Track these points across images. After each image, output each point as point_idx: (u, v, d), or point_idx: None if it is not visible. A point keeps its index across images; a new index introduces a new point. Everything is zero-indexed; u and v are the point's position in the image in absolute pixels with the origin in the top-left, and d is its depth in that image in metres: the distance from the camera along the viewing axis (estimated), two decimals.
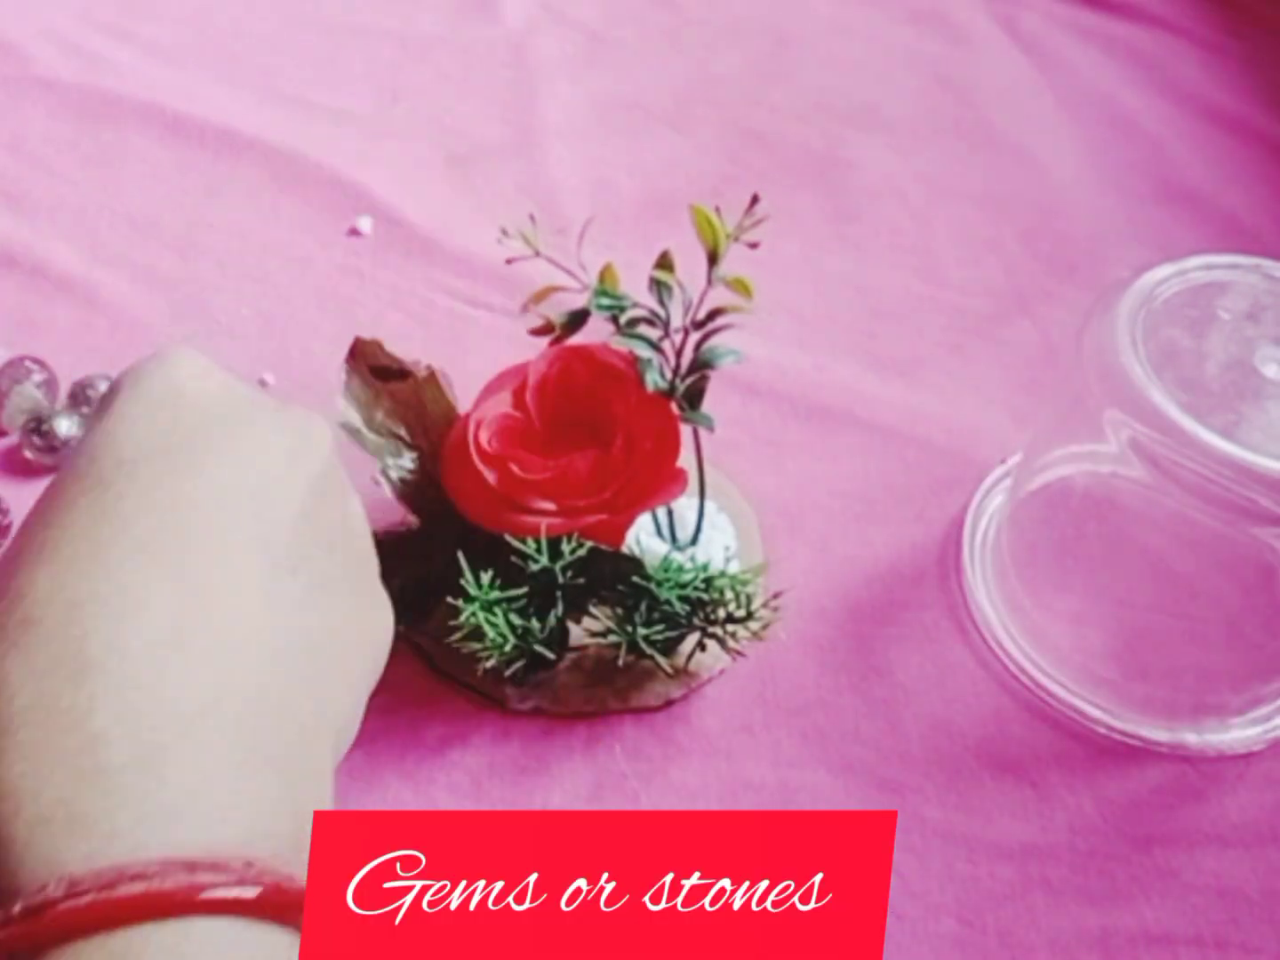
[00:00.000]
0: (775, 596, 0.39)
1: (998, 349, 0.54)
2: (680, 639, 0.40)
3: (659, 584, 0.38)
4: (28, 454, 0.45)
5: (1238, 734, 0.41)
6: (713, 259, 0.38)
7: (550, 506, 0.38)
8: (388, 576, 0.33)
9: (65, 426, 0.45)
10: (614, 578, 0.39)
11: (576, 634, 0.40)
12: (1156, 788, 0.40)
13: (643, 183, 0.60)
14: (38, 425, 0.45)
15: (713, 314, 0.39)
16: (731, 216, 0.39)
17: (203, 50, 0.66)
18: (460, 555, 0.37)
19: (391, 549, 0.35)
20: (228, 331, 0.51)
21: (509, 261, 0.38)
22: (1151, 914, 0.37)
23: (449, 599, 0.37)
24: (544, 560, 0.37)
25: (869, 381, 0.52)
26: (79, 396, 0.47)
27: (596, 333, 0.39)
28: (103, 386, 0.47)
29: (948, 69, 0.71)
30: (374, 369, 0.40)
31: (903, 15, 0.75)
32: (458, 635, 0.37)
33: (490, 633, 0.36)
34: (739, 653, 0.40)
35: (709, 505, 0.43)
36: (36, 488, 0.45)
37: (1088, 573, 0.44)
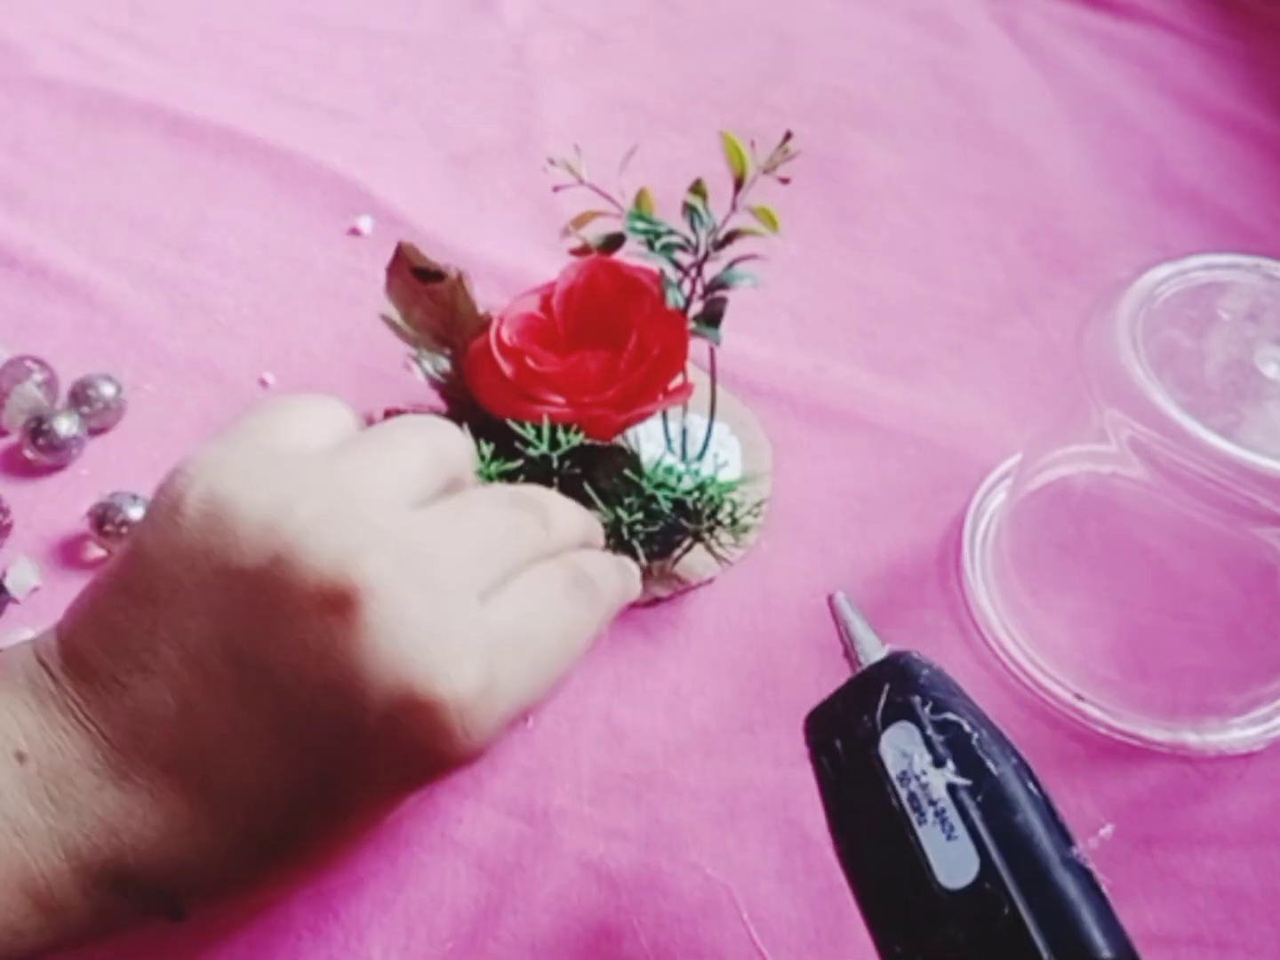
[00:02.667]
0: (758, 505, 0.43)
1: (998, 349, 0.55)
2: (668, 541, 0.42)
3: (648, 479, 0.41)
4: (28, 454, 0.45)
5: (1238, 734, 0.41)
6: (738, 185, 0.41)
7: (558, 400, 0.41)
8: None
9: (65, 426, 0.45)
10: (608, 471, 0.41)
11: None
12: (1156, 788, 0.40)
13: (643, 183, 0.60)
14: (38, 425, 0.45)
15: (732, 235, 0.41)
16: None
17: (203, 50, 0.66)
18: (466, 429, 0.38)
19: None
20: (228, 331, 0.51)
21: (555, 189, 0.41)
22: (1151, 914, 0.37)
23: None
24: (543, 446, 0.40)
25: (869, 381, 0.52)
26: (79, 396, 0.47)
27: None
28: (103, 386, 0.47)
29: (948, 69, 0.71)
30: (414, 270, 0.43)
31: (903, 15, 0.75)
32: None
33: None
34: (725, 559, 0.43)
35: (722, 428, 0.46)
36: (37, 488, 0.45)
37: (1088, 573, 0.44)
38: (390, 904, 0.35)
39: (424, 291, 0.44)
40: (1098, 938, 0.26)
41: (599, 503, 0.41)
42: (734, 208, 0.41)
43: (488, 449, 0.40)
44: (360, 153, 0.60)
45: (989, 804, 0.27)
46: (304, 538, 0.28)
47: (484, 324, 0.43)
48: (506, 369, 0.41)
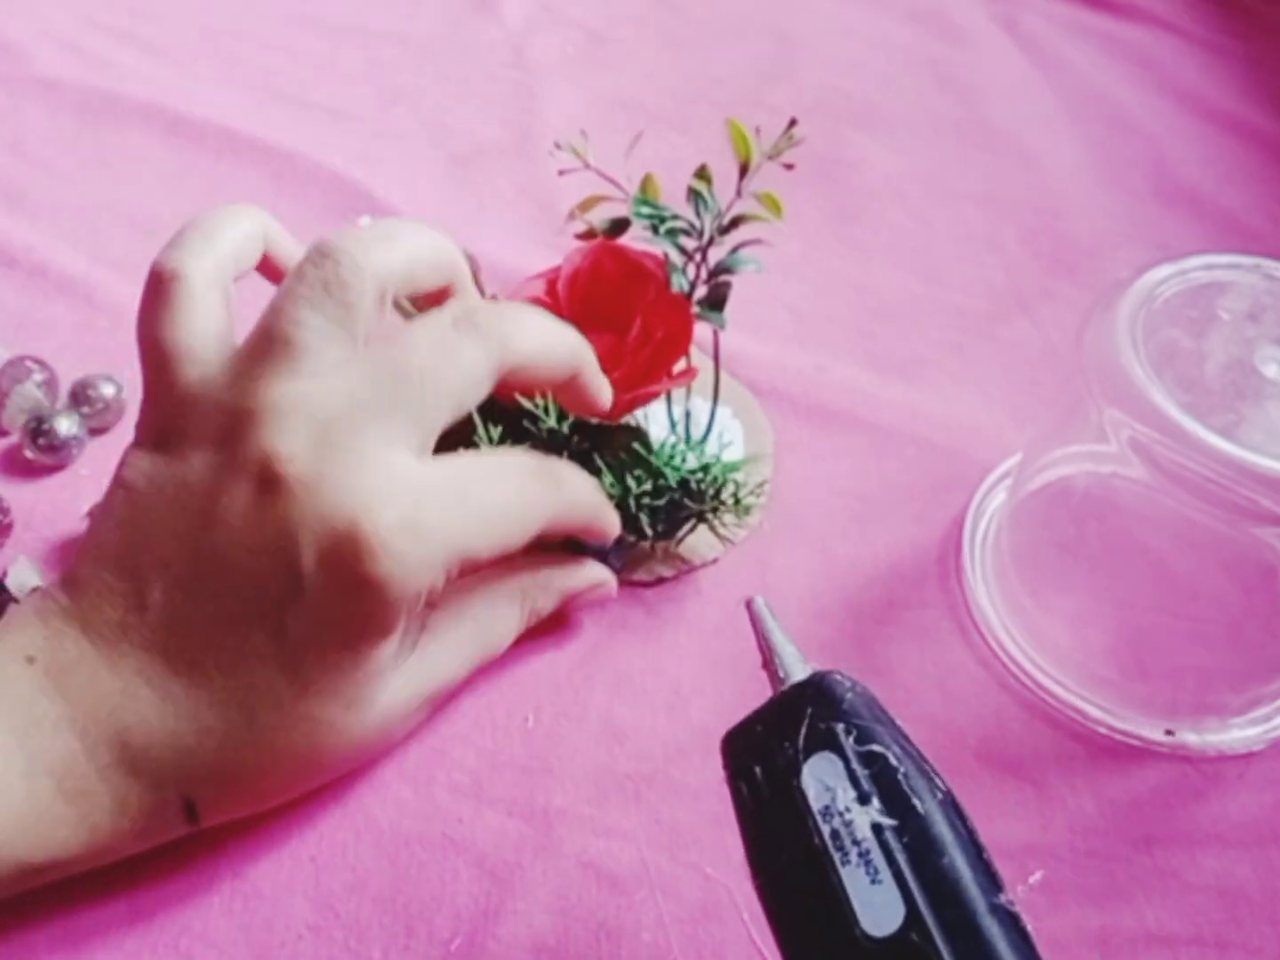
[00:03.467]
0: (760, 485, 0.44)
1: (998, 349, 0.55)
2: (672, 520, 0.43)
3: (656, 456, 0.42)
4: (28, 454, 0.45)
5: (1238, 734, 0.41)
6: (744, 171, 0.41)
7: None
8: None
9: (65, 426, 0.45)
10: (616, 447, 0.42)
11: None
12: (1156, 788, 0.40)
13: (640, 181, 0.60)
14: (38, 425, 0.45)
15: (737, 221, 0.42)
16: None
17: (203, 50, 0.66)
18: (474, 413, 0.40)
19: None
20: None
21: (561, 173, 0.42)
22: (1151, 914, 0.37)
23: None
24: (551, 420, 0.41)
25: (869, 381, 0.52)
26: (79, 396, 0.47)
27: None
28: (103, 386, 0.47)
29: (948, 69, 0.71)
30: None
31: (903, 15, 0.75)
32: None
33: None
34: (728, 539, 0.44)
35: (725, 412, 0.47)
36: (37, 488, 0.45)
37: (1088, 573, 0.44)
38: (390, 904, 0.35)
39: None
40: None
41: (608, 474, 0.41)
42: (739, 193, 0.41)
43: (495, 431, 0.41)
44: (360, 153, 0.60)
45: (915, 846, 0.26)
46: (236, 439, 0.33)
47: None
48: None
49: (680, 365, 0.43)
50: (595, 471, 0.41)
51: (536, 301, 0.43)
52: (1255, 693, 0.42)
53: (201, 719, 0.32)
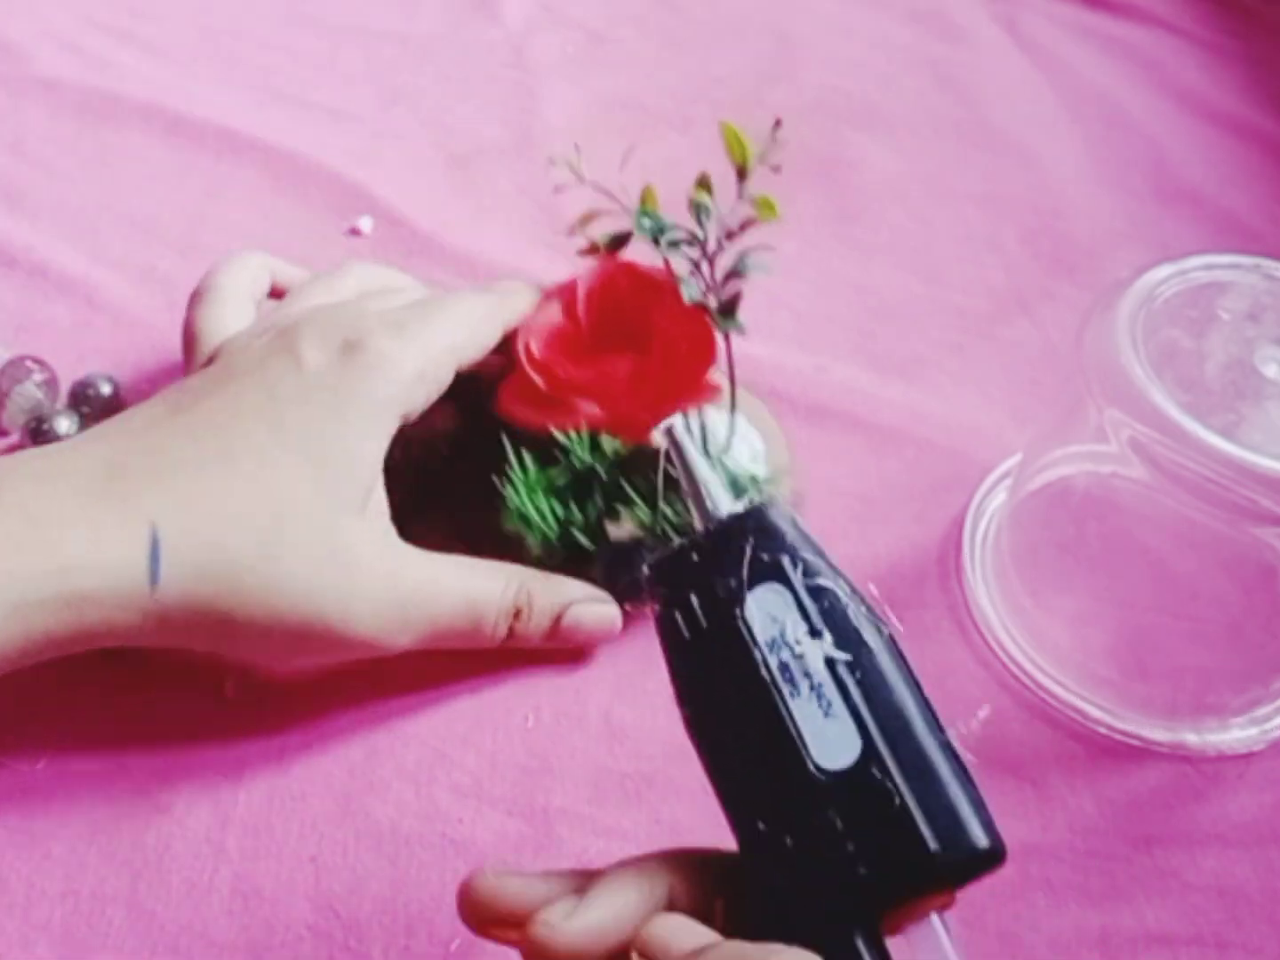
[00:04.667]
0: (799, 495, 0.42)
1: (998, 349, 0.54)
2: None
3: None
4: None
5: (1238, 734, 0.41)
6: (741, 175, 0.41)
7: (591, 406, 0.41)
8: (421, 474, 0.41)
9: (65, 426, 0.45)
10: (646, 471, 0.41)
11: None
12: (1156, 788, 0.40)
13: (643, 183, 0.60)
14: (38, 425, 0.45)
15: (744, 225, 0.41)
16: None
17: (203, 50, 0.66)
18: (507, 443, 0.40)
19: (425, 445, 0.42)
20: None
21: (557, 190, 0.41)
22: (1151, 914, 0.37)
23: (498, 487, 0.40)
24: (585, 454, 0.40)
25: (869, 381, 0.52)
26: (79, 396, 0.47)
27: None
28: (103, 386, 0.47)
29: (948, 69, 0.71)
30: None
31: (903, 15, 0.75)
32: (507, 519, 0.40)
33: (535, 518, 0.40)
34: None
35: (739, 420, 0.46)
36: None
37: (1088, 573, 0.44)
38: (390, 904, 0.35)
39: None
40: (977, 828, 0.25)
41: (639, 503, 0.41)
42: (739, 196, 0.41)
43: (529, 457, 0.40)
44: (360, 153, 0.60)
45: (868, 681, 0.26)
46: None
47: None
48: (539, 381, 0.41)
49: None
50: (627, 500, 0.41)
51: (554, 328, 0.42)
52: (1255, 693, 0.42)
53: (182, 456, 0.35)
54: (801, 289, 0.56)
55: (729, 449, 0.45)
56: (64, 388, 0.48)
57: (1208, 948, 0.36)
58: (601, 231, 0.42)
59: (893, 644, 0.27)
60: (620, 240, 0.42)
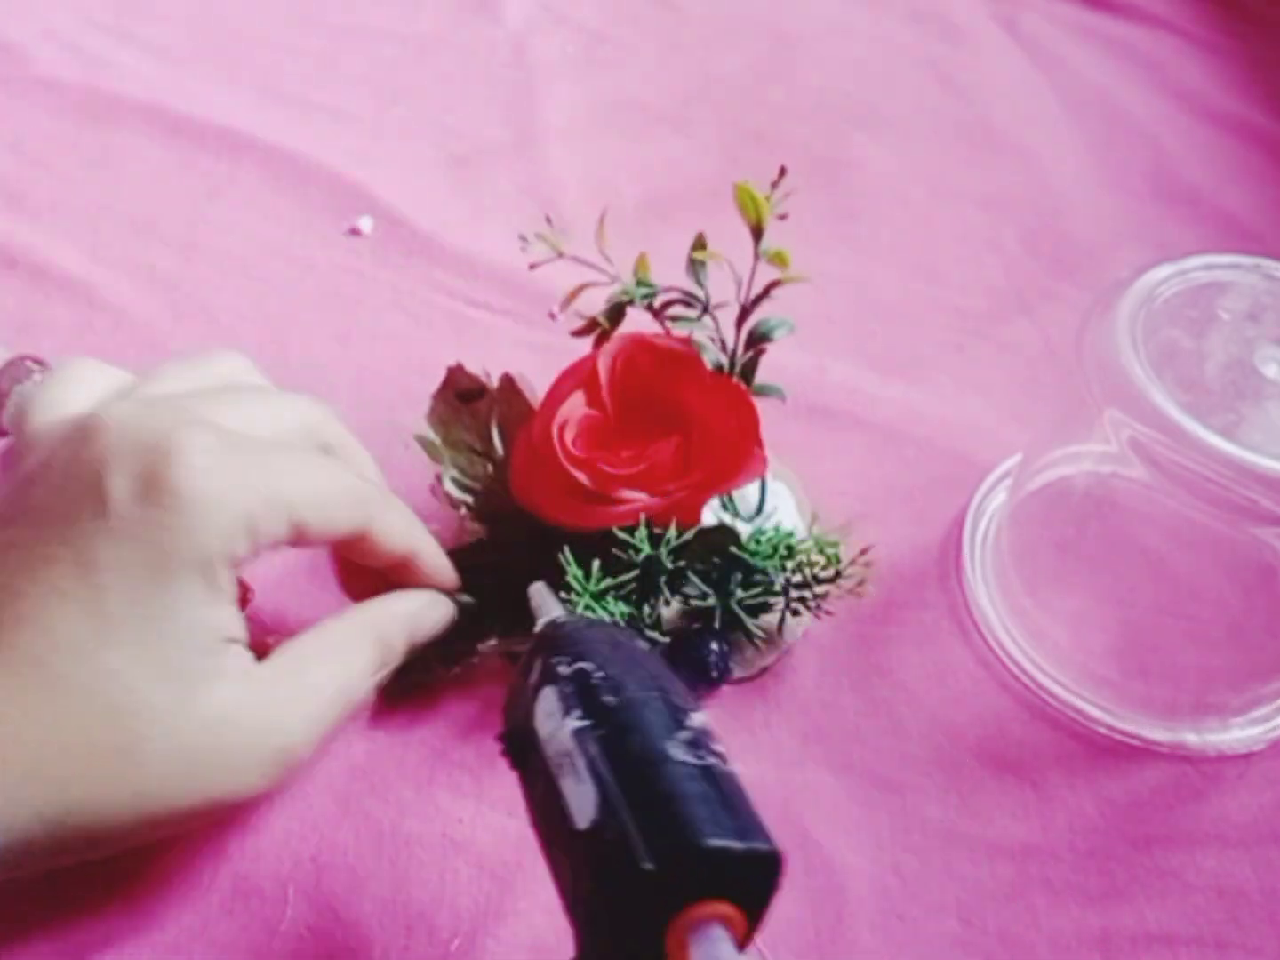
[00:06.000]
0: (863, 552, 0.41)
1: (998, 349, 0.55)
2: (767, 607, 0.41)
3: (752, 553, 0.40)
4: None
5: (1238, 734, 0.41)
6: (757, 234, 0.40)
7: (641, 496, 0.39)
8: (469, 588, 0.38)
9: None
10: (710, 552, 0.40)
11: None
12: (1156, 788, 0.40)
13: (643, 183, 0.60)
14: None
15: (769, 287, 0.40)
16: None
17: (203, 50, 0.66)
18: (567, 551, 0.38)
19: (464, 561, 0.38)
20: (228, 331, 0.51)
21: (532, 267, 0.40)
22: (1151, 914, 0.37)
23: (561, 595, 0.37)
24: (646, 548, 0.38)
25: (869, 381, 0.52)
26: None
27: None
28: None
29: (948, 69, 0.71)
30: (459, 393, 0.42)
31: (903, 15, 0.75)
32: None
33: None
34: (828, 613, 0.41)
35: (769, 480, 0.45)
36: None
37: (1088, 573, 0.44)
38: (390, 904, 0.35)
39: (465, 410, 0.43)
40: (697, 836, 0.25)
41: (702, 588, 0.40)
42: (756, 257, 0.40)
43: (577, 566, 0.38)
44: (360, 153, 0.60)
45: (608, 736, 0.27)
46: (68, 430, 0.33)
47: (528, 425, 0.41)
48: (584, 479, 0.39)
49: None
50: (686, 587, 0.39)
51: (586, 418, 0.40)
52: (1255, 693, 0.42)
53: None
54: (801, 289, 0.56)
55: (762, 512, 0.44)
56: None
57: (1208, 948, 0.36)
58: (586, 302, 0.40)
59: (652, 689, 0.28)
60: (617, 312, 0.40)
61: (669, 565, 0.39)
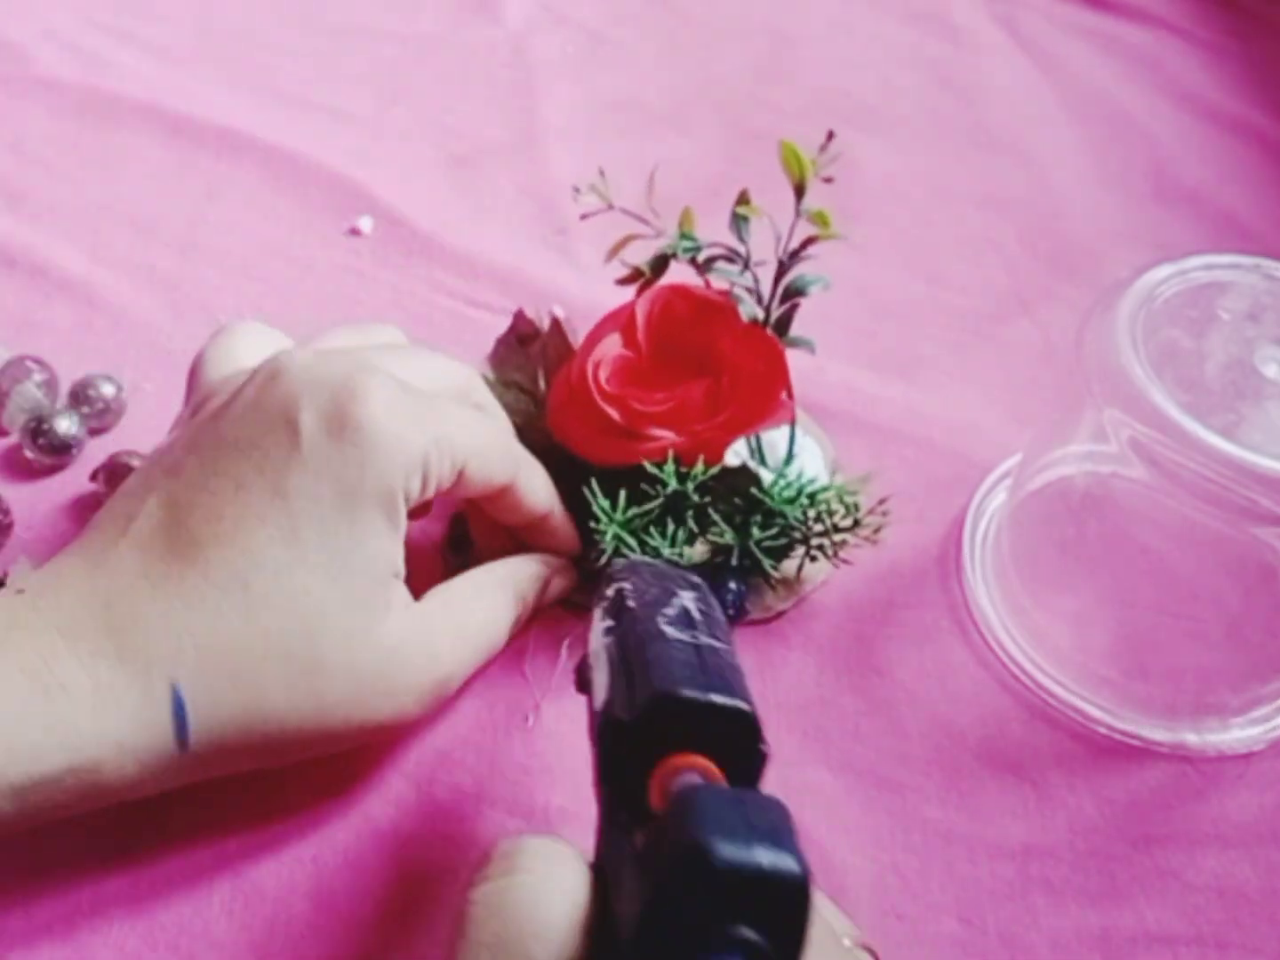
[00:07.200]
0: (882, 501, 0.42)
1: (998, 349, 0.54)
2: (786, 552, 0.42)
3: (773, 497, 0.41)
4: (28, 454, 0.45)
5: (1238, 734, 0.41)
6: (799, 192, 0.41)
7: (669, 434, 0.41)
8: None
9: (65, 426, 0.45)
10: (732, 492, 0.41)
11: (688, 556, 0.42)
12: (1156, 788, 0.40)
13: (643, 182, 0.60)
14: (38, 425, 0.45)
15: (806, 243, 0.41)
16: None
17: (203, 50, 0.66)
18: (594, 483, 0.40)
19: None
20: None
21: (583, 217, 0.42)
22: (1151, 914, 0.37)
23: (590, 525, 0.40)
24: (673, 482, 0.40)
25: (868, 381, 0.52)
26: (79, 396, 0.47)
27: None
28: (103, 386, 0.47)
29: (948, 69, 0.71)
30: (519, 336, 0.45)
31: (903, 15, 0.75)
32: (602, 557, 0.39)
33: (635, 552, 0.40)
34: (846, 561, 0.42)
35: (798, 432, 0.46)
36: (37, 488, 0.45)
37: (1088, 573, 0.44)
38: (390, 903, 0.35)
39: (520, 352, 0.44)
40: (669, 685, 0.28)
41: (724, 527, 0.41)
42: (797, 214, 0.41)
43: (607, 498, 0.40)
44: (360, 153, 0.60)
45: (622, 629, 0.31)
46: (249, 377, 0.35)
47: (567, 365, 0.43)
48: (614, 415, 0.40)
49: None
50: (711, 524, 0.41)
51: (621, 359, 0.42)
52: (1255, 693, 0.42)
53: (195, 592, 0.31)
54: None
55: (791, 461, 0.45)
56: (64, 388, 0.48)
57: (1208, 948, 0.36)
58: (627, 254, 0.42)
59: (675, 591, 0.32)
60: (663, 263, 0.42)
61: (695, 499, 0.40)
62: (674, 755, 0.27)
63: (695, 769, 0.27)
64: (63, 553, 0.33)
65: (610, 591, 0.33)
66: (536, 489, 0.39)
